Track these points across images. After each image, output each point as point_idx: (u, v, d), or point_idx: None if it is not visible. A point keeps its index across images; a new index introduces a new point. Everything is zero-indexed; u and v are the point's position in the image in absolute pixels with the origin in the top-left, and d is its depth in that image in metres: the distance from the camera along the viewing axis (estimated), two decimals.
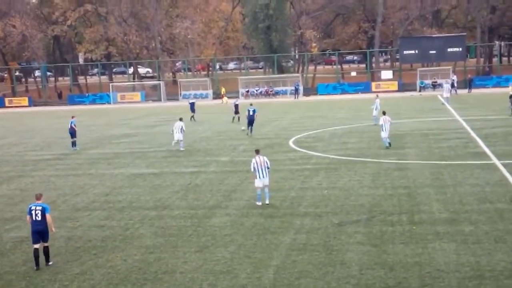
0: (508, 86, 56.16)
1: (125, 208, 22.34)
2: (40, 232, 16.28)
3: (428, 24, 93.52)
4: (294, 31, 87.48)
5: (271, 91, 78.26)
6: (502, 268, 14.74)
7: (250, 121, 40.59)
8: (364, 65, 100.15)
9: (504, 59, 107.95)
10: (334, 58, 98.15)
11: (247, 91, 78.53)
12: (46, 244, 16.45)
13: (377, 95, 46.53)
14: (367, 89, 77.12)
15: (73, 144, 38.03)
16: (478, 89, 69.98)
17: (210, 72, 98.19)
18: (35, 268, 16.24)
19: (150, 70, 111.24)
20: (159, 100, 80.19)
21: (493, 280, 14.07)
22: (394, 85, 77.33)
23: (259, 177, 21.50)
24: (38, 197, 16.81)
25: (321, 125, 43.98)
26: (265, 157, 21.93)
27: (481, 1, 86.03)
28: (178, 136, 35.33)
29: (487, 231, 17.48)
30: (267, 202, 21.80)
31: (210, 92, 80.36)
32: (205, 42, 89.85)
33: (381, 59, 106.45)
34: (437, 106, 53.22)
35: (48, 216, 16.33)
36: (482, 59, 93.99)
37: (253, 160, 21.79)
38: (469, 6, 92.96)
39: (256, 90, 78.99)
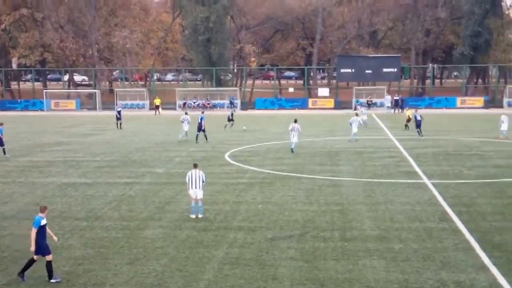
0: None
1: (55, 218, 21.81)
2: (39, 244, 15.60)
3: (365, 44, 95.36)
4: (234, 45, 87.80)
5: (208, 104, 78.20)
6: (430, 286, 15.06)
7: (199, 128, 42.49)
8: (301, 82, 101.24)
9: (437, 81, 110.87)
10: (272, 73, 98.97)
11: (184, 103, 78.24)
12: (47, 259, 15.66)
13: (356, 114, 47.18)
14: (304, 105, 77.98)
15: (4, 151, 36.92)
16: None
17: (147, 83, 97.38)
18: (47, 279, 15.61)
19: (86, 78, 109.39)
20: (95, 108, 78.97)
21: None
22: (331, 103, 78.44)
23: (192, 188, 21.53)
24: (41, 210, 16.02)
25: (258, 140, 44.15)
26: (201, 172, 21.89)
27: (416, 24, 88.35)
28: (185, 127, 42.67)
29: (416, 249, 17.84)
30: (200, 216, 21.72)
31: (147, 102, 79.68)
32: (144, 52, 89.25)
33: (318, 76, 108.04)
34: (372, 125, 54.13)
35: (32, 230, 15.56)
36: (415, 80, 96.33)
37: (189, 173, 21.81)
38: (404, 28, 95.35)
39: (194, 102, 78.73)
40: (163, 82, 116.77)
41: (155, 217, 22.02)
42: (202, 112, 45.95)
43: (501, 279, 15.37)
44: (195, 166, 22.09)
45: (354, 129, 42.87)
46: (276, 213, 22.35)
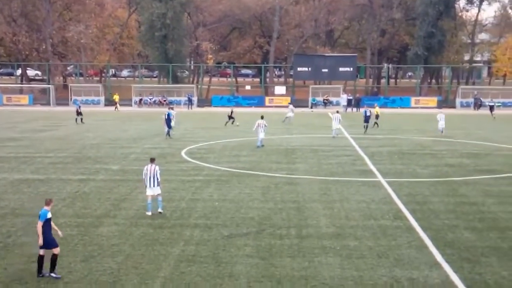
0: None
1: (7, 215, 21.43)
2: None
3: (321, 43, 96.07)
4: (191, 42, 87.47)
5: (164, 101, 77.71)
6: (384, 282, 15.25)
7: (168, 124, 43.35)
8: (258, 80, 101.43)
9: (392, 81, 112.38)
10: (229, 70, 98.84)
11: (141, 100, 77.61)
12: (54, 252, 15.57)
13: (337, 111, 47.87)
14: (260, 103, 78.12)
15: None
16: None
17: (103, 79, 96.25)
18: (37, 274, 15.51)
19: (39, 73, 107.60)
20: (48, 104, 77.63)
21: None
22: (287, 101, 78.55)
23: (149, 186, 21.40)
24: (47, 203, 15.93)
25: (214, 137, 44.08)
26: (157, 167, 21.69)
27: (372, 24, 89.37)
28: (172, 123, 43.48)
29: (370, 247, 18.05)
30: (160, 210, 21.63)
31: (102, 98, 78.79)
32: (99, 47, 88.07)
33: (275, 75, 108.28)
34: (328, 123, 54.48)
35: (38, 223, 15.43)
36: (371, 80, 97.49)
37: (145, 168, 21.68)
38: (360, 28, 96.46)
39: (150, 99, 78.19)
40: (119, 78, 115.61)
41: (110, 214, 21.79)
42: (170, 108, 47.06)
43: (453, 276, 15.66)
44: (152, 160, 21.90)
45: (335, 125, 44.34)
46: (233, 210, 22.35)
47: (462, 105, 77.56)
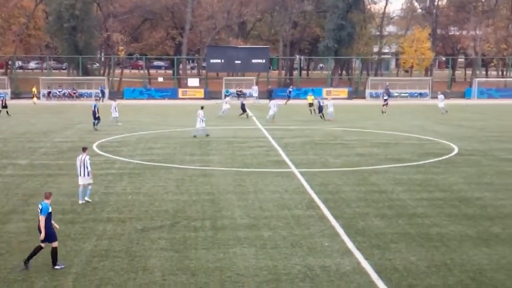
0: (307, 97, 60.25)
1: None
2: (40, 231, 15.53)
3: (234, 35, 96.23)
4: (101, 33, 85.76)
5: (74, 93, 75.94)
6: (297, 271, 15.46)
7: (94, 116, 43.76)
8: (171, 72, 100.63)
9: (304, 72, 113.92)
10: (141, 62, 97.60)
11: (49, 92, 75.54)
12: (53, 245, 15.57)
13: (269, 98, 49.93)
14: (174, 95, 77.61)
15: None
16: (278, 100, 72.56)
17: (8, 71, 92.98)
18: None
19: None
20: None
21: (289, 283, 14.70)
22: (201, 93, 78.59)
23: (80, 175, 21.85)
24: (47, 196, 16.03)
25: (127, 130, 43.43)
26: (87, 157, 21.98)
27: (284, 16, 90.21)
28: (114, 114, 45.80)
29: (284, 236, 18.26)
30: (86, 198, 22.01)
31: (8, 91, 76.07)
32: (4, 38, 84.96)
33: (188, 67, 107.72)
34: (243, 115, 54.78)
35: (41, 217, 15.42)
36: (283, 72, 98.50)
37: (78, 157, 22.19)
38: (272, 20, 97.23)
39: (59, 92, 76.23)
40: (26, 70, 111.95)
41: (18, 210, 21.13)
42: (96, 100, 49.19)
43: (364, 263, 16.05)
44: (84, 150, 22.38)
45: (271, 111, 49.45)
46: (147, 203, 22.12)
47: (371, 96, 79.57)
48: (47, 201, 15.76)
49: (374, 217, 20.48)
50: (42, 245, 15.64)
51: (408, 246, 17.47)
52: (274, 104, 50.59)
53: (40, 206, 15.64)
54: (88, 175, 21.82)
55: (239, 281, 14.80)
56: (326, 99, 56.79)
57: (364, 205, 22.13)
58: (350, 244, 17.52)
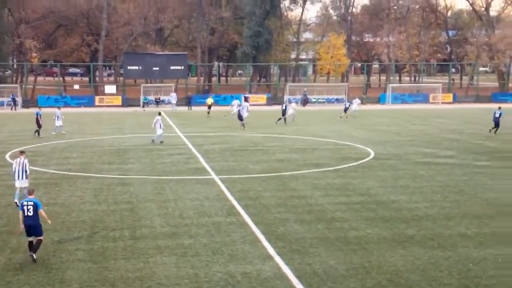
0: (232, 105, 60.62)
1: None
2: (31, 226, 16.47)
3: (151, 41, 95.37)
4: (13, 39, 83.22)
5: None
6: (219, 278, 15.42)
7: (38, 124, 43.80)
8: (87, 79, 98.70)
9: (223, 79, 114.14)
10: (55, 69, 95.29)
11: None
12: (39, 238, 16.63)
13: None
14: (90, 103, 76.14)
15: None
16: (197, 106, 72.51)
17: None
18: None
19: None
20: None
21: None
22: (118, 100, 77.36)
23: (17, 178, 22.12)
24: (31, 192, 17.00)
25: (41, 139, 42.26)
26: (26, 160, 22.07)
27: (201, 22, 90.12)
28: (58, 123, 44.59)
29: (205, 244, 18.18)
30: (15, 200, 22.19)
31: None
32: None
33: (105, 74, 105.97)
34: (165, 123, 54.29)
35: (41, 211, 16.67)
36: (202, 78, 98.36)
37: (14, 161, 22.44)
38: (190, 26, 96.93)
39: None
40: None
41: None
42: (39, 108, 48.54)
43: (285, 268, 16.17)
44: (21, 153, 22.74)
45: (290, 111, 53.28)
46: (63, 214, 21.57)
47: (290, 102, 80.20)
48: (32, 197, 16.81)
49: (294, 222, 20.68)
50: (30, 238, 16.55)
51: (327, 250, 17.72)
52: (291, 107, 55.40)
53: (30, 203, 16.50)
54: (26, 178, 22.27)
55: None
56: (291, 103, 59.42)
57: (284, 210, 22.31)
58: (271, 250, 17.61)
